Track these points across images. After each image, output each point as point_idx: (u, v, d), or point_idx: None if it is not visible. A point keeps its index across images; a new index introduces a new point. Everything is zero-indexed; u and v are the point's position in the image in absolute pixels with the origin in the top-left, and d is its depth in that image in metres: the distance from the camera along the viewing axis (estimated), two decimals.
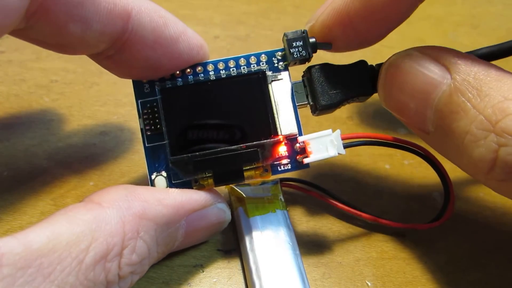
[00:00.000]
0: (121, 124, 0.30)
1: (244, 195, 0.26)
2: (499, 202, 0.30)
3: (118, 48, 0.21)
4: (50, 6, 0.19)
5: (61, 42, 0.21)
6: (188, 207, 0.22)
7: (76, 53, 0.22)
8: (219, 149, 0.23)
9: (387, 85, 0.23)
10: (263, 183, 0.28)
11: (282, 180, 0.28)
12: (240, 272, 0.25)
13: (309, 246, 0.27)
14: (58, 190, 0.27)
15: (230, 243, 0.26)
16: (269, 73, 0.24)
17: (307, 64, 0.25)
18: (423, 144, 0.26)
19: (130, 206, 0.20)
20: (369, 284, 0.26)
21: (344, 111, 0.34)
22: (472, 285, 0.26)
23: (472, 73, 0.20)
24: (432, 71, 0.21)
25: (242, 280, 0.25)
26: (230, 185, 0.27)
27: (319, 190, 0.28)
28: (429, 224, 0.27)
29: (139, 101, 0.23)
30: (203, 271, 0.25)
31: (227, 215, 0.24)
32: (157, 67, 0.23)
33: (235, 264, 0.25)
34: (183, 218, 0.22)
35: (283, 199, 0.27)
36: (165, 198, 0.21)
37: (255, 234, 0.24)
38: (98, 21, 0.20)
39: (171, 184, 0.23)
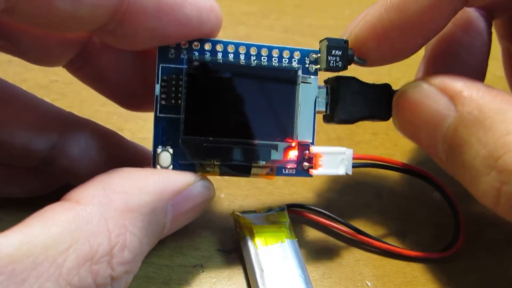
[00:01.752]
0: (121, 124, 0.30)
1: (252, 223, 0.25)
2: None
3: (118, 21, 0.19)
4: None
5: (52, 22, 0.19)
6: (171, 190, 0.20)
7: (74, 30, 0.20)
8: (233, 139, 0.22)
9: (399, 115, 0.24)
10: (270, 209, 0.27)
11: (289, 206, 0.27)
12: (240, 272, 0.25)
13: (309, 246, 0.27)
14: (58, 190, 0.27)
15: (230, 243, 0.26)
16: (300, 73, 0.23)
17: (335, 73, 0.24)
18: (432, 171, 0.26)
19: (111, 200, 0.18)
20: (369, 284, 0.26)
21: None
22: (472, 285, 0.26)
23: (477, 105, 0.20)
24: (439, 103, 0.21)
25: (242, 280, 0.25)
26: (237, 213, 0.26)
27: (328, 218, 0.27)
28: (442, 253, 0.27)
29: (160, 65, 0.22)
30: (203, 271, 0.25)
31: (212, 192, 0.23)
32: (164, 36, 0.21)
33: (235, 264, 0.25)
34: (169, 202, 0.20)
35: (291, 227, 0.26)
36: (146, 185, 0.20)
37: (266, 267, 0.23)
38: None
39: (176, 163, 0.22)
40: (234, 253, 0.26)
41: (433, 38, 0.24)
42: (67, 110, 0.25)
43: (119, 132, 0.26)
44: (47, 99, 0.31)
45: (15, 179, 0.25)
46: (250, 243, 0.24)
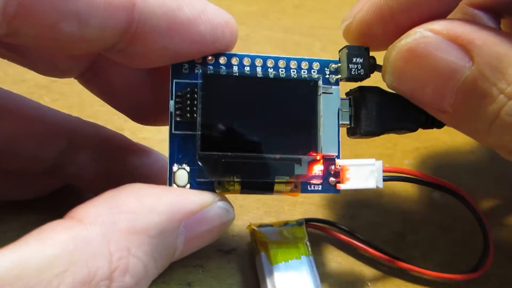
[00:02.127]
0: (121, 124, 0.30)
1: (267, 238, 0.25)
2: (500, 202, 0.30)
3: (127, 42, 0.19)
4: (33, 4, 0.16)
5: (57, 44, 0.18)
6: (184, 211, 0.19)
7: (81, 51, 0.20)
8: (254, 154, 0.21)
9: (398, 70, 0.21)
10: (287, 223, 0.26)
11: (307, 220, 0.27)
12: (240, 271, 0.25)
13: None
14: (58, 190, 0.27)
15: (230, 243, 0.26)
16: (321, 83, 0.22)
17: (357, 83, 0.23)
18: (462, 186, 0.26)
19: (115, 220, 0.17)
20: (370, 284, 0.26)
21: None
22: (472, 285, 0.26)
23: (495, 54, 0.19)
24: (451, 54, 0.19)
25: (242, 280, 0.25)
26: (252, 227, 0.26)
27: (348, 234, 0.27)
28: (468, 274, 0.26)
29: (174, 81, 0.21)
30: (203, 271, 0.25)
31: (231, 214, 0.21)
32: (177, 55, 0.20)
33: (235, 264, 0.25)
34: (181, 224, 0.19)
35: (308, 243, 0.25)
36: (156, 205, 0.18)
37: (279, 284, 0.23)
38: (96, 15, 0.17)
39: (193, 181, 0.21)
40: (234, 253, 0.26)
41: None
42: (67, 110, 0.25)
43: (120, 132, 0.26)
44: (47, 99, 0.32)
45: (19, 184, 0.25)
46: (264, 259, 0.24)
